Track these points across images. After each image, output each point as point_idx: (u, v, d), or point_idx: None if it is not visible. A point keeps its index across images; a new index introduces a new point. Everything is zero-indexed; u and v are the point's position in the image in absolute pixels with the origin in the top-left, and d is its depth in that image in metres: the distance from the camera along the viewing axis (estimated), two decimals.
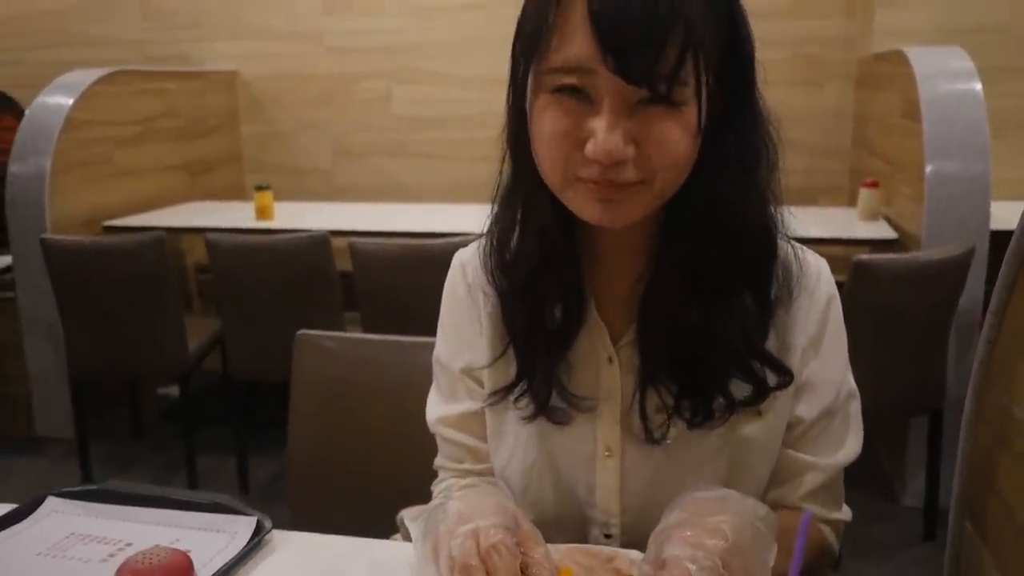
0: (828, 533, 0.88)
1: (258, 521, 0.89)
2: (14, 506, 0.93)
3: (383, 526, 0.96)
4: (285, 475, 1.32)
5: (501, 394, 0.87)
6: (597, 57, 0.67)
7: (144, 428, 3.38)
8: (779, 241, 0.81)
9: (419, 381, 1.01)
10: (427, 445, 0.98)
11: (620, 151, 0.70)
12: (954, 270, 2.29)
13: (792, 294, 0.82)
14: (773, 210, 0.80)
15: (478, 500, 0.74)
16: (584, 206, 0.75)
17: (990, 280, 2.49)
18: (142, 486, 0.95)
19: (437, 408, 0.95)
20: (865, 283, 2.18)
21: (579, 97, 0.71)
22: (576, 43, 0.68)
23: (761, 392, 0.80)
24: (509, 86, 0.78)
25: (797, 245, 0.85)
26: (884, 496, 2.76)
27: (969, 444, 0.90)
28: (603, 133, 0.69)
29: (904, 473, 2.69)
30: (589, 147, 0.70)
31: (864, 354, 0.89)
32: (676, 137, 0.71)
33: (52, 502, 0.95)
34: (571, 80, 0.70)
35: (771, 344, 0.82)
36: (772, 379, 0.81)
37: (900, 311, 2.25)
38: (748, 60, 0.76)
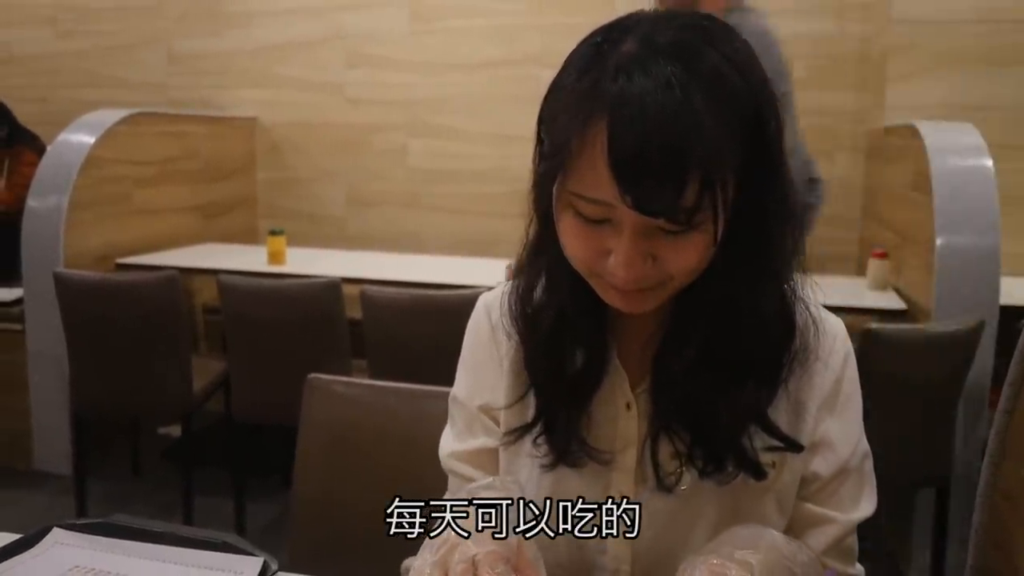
0: None
1: (264, 562, 0.88)
2: (18, 536, 0.93)
3: (386, 572, 0.95)
4: (287, 518, 1.31)
5: (517, 433, 0.87)
6: (617, 195, 0.68)
7: (143, 466, 3.35)
8: (798, 307, 0.82)
9: (428, 429, 1.01)
10: (435, 491, 0.97)
11: (640, 273, 0.72)
12: (964, 343, 2.28)
13: (809, 357, 0.83)
14: (793, 283, 0.80)
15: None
16: (605, 295, 0.77)
17: (999, 355, 2.48)
18: (148, 521, 0.94)
19: (451, 444, 0.95)
20: (875, 352, 2.17)
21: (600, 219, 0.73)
22: (596, 180, 0.69)
23: (760, 471, 0.80)
24: (535, 157, 0.78)
25: (816, 307, 0.85)
26: (889, 571, 2.70)
27: (984, 515, 0.89)
28: (623, 257, 0.71)
29: (910, 547, 2.65)
30: (610, 262, 0.72)
31: (871, 424, 0.89)
32: (695, 252, 0.72)
33: (56, 533, 0.94)
34: (592, 209, 0.71)
35: (784, 405, 0.82)
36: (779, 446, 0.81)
37: (908, 382, 2.23)
38: (775, 152, 0.73)
